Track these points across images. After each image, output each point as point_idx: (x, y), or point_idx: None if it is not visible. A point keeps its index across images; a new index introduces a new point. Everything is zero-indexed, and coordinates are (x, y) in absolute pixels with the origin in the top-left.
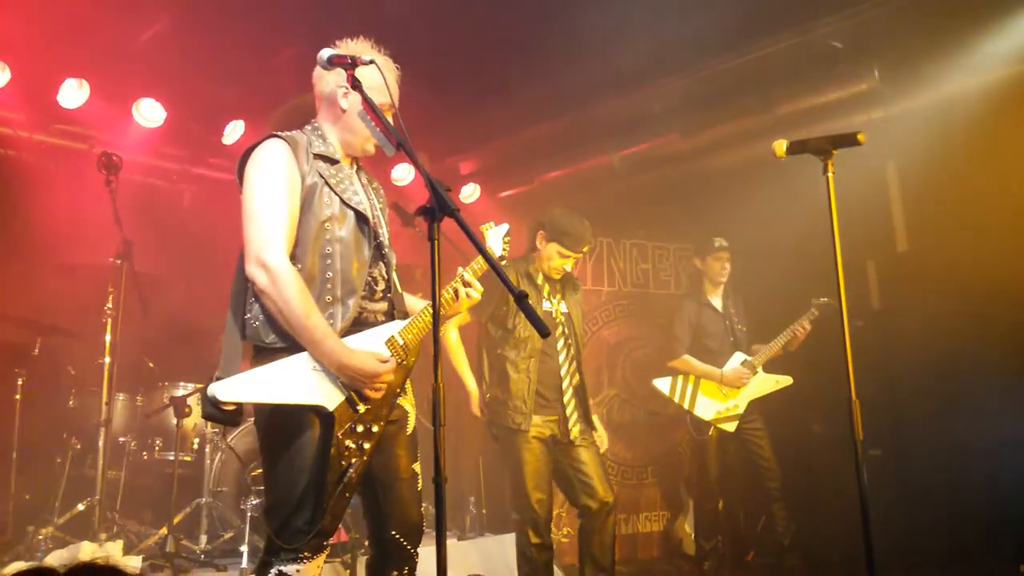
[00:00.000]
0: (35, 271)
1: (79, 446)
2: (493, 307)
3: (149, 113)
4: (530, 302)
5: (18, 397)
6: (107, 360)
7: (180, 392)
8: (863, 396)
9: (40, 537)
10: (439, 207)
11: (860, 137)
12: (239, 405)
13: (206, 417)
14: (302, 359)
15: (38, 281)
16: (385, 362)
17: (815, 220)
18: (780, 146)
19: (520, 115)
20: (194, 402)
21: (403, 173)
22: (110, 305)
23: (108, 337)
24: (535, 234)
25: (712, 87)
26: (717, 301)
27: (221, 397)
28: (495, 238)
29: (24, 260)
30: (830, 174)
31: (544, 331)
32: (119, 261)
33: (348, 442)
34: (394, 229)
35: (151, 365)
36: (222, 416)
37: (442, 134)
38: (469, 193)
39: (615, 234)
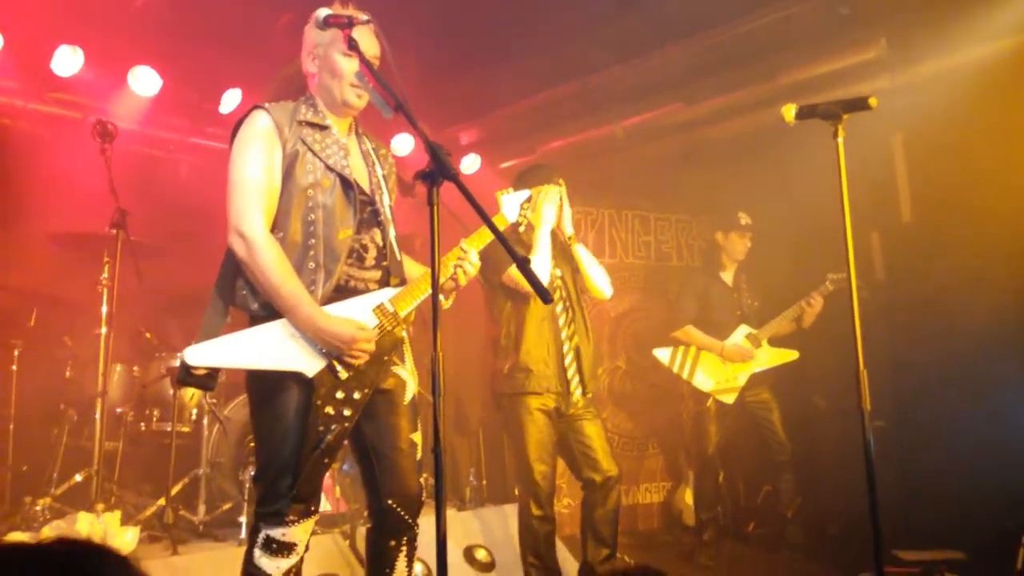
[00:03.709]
0: (30, 241)
1: (76, 417)
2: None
3: (144, 81)
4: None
5: (14, 368)
6: (103, 331)
7: (177, 363)
8: (867, 367)
9: (37, 508)
10: (438, 171)
11: (871, 101)
12: (212, 370)
13: (179, 382)
14: (281, 325)
15: (34, 251)
16: (364, 329)
17: (821, 190)
18: (789, 111)
19: (522, 84)
20: None
21: (402, 143)
22: (106, 275)
23: (104, 308)
24: None
25: (716, 55)
26: (728, 276)
27: (190, 361)
28: (512, 204)
29: (19, 230)
30: (840, 139)
31: (546, 297)
32: (114, 231)
33: (328, 409)
34: (394, 199)
35: (148, 336)
36: (195, 381)
37: (442, 103)
38: (469, 164)
39: (617, 205)
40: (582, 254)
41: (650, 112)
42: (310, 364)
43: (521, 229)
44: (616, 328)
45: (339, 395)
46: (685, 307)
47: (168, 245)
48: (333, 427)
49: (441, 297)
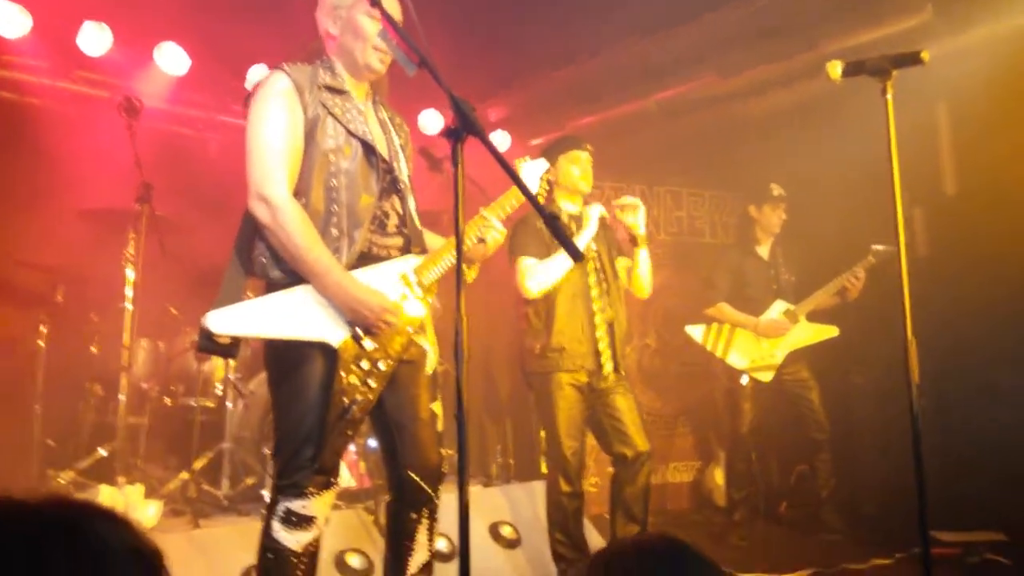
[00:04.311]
0: (57, 219)
1: (102, 393)
2: (535, 250)
3: (172, 58)
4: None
5: (42, 344)
6: (129, 306)
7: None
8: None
9: (61, 481)
10: (463, 126)
11: (923, 55)
12: (235, 338)
13: (201, 350)
14: (306, 292)
15: (60, 229)
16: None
17: (860, 162)
18: (834, 67)
19: (551, 57)
20: None
21: (431, 121)
22: (131, 250)
23: (130, 283)
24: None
25: (753, 25)
26: (764, 250)
27: (214, 328)
28: (531, 174)
29: (46, 208)
30: (889, 96)
31: (577, 254)
32: (140, 205)
33: (352, 379)
34: (423, 175)
35: (174, 311)
36: (217, 349)
37: (469, 79)
38: (499, 142)
39: (649, 180)
40: (643, 258)
41: (684, 85)
42: (334, 332)
43: (540, 201)
44: (646, 306)
45: (364, 365)
46: (718, 284)
47: (195, 221)
48: (358, 397)
49: (464, 266)
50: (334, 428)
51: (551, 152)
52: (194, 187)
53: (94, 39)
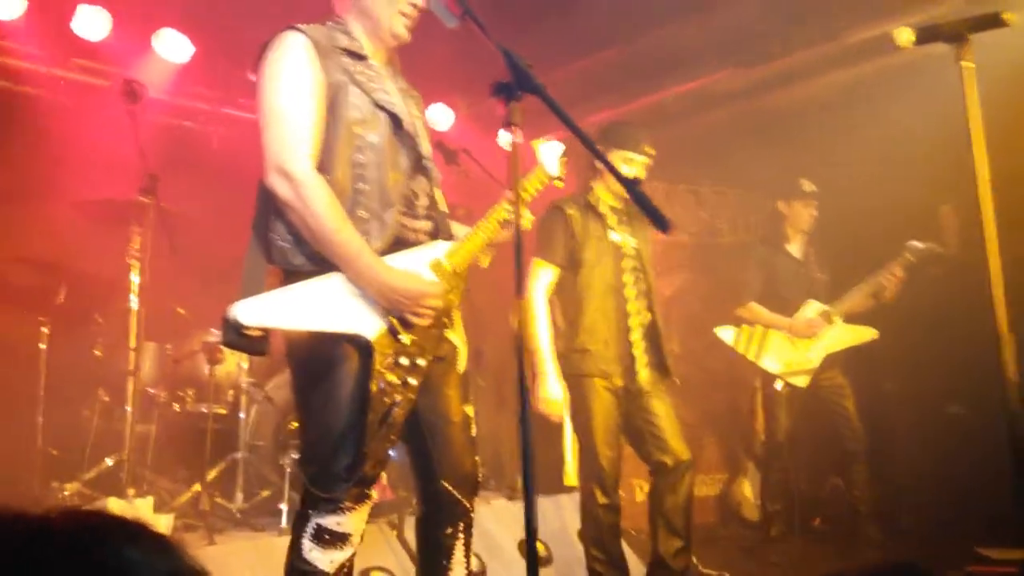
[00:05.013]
0: (57, 214)
1: (107, 398)
2: (564, 244)
3: (172, 45)
4: (593, 232)
5: (43, 347)
6: (135, 306)
7: (212, 339)
8: (943, 350)
9: (66, 493)
10: (517, 82)
11: (1007, 17)
12: (265, 331)
13: (227, 344)
14: (336, 280)
15: (61, 225)
16: (432, 283)
17: (891, 158)
18: (904, 34)
19: (563, 50)
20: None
21: (439, 115)
22: (136, 247)
23: (135, 282)
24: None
25: (774, 16)
26: (795, 248)
27: (244, 320)
28: (550, 155)
29: (45, 203)
30: (964, 63)
31: (664, 223)
32: (145, 198)
33: (391, 377)
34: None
35: (181, 312)
36: (246, 344)
37: (479, 74)
38: (509, 139)
39: (669, 179)
40: None
41: (702, 79)
42: (369, 324)
43: (559, 185)
44: (668, 309)
45: (404, 361)
46: (748, 282)
47: (203, 217)
48: (398, 398)
49: (481, 252)
50: (376, 434)
51: (607, 139)
52: (196, 182)
53: (91, 23)
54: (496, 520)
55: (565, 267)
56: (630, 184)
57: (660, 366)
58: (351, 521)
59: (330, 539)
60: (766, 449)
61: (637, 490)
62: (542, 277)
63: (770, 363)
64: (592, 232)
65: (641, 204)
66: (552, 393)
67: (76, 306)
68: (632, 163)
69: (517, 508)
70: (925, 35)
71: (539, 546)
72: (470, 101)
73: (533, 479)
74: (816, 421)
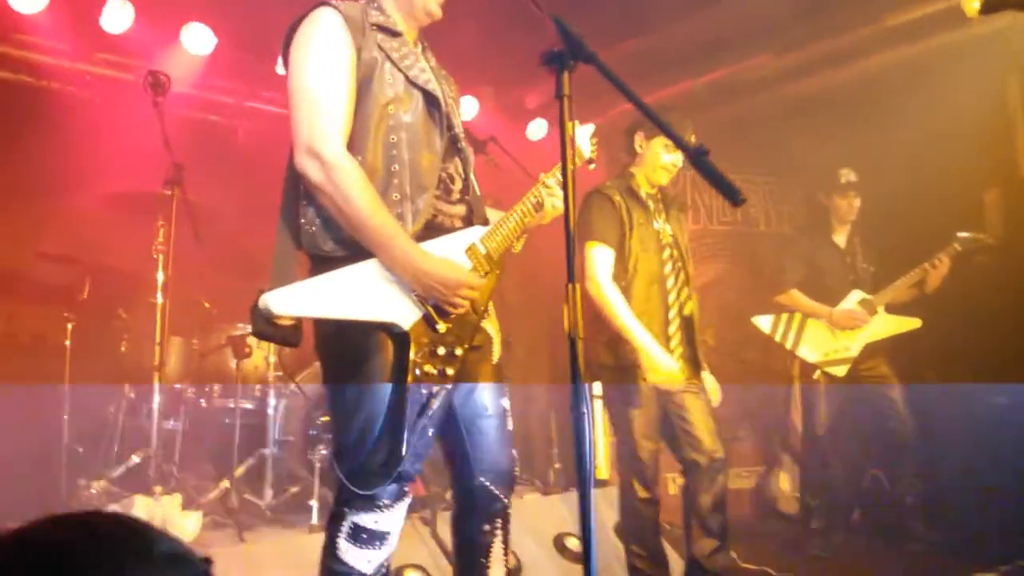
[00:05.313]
0: (82, 209)
1: (133, 394)
2: (611, 235)
3: (198, 39)
4: (637, 220)
5: (68, 343)
6: (160, 300)
7: (238, 332)
8: (982, 341)
9: (92, 491)
10: (570, 51)
11: None
12: (297, 321)
13: (258, 335)
14: (370, 267)
15: (86, 220)
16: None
17: (936, 145)
18: (971, 4)
19: (590, 38)
20: (255, 342)
21: (465, 104)
22: (161, 240)
23: (160, 275)
24: (631, 140)
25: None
26: (840, 238)
27: (275, 309)
28: (582, 137)
29: (70, 198)
30: None
31: (735, 195)
32: (169, 190)
33: (428, 367)
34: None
35: (207, 305)
36: (277, 334)
37: (506, 64)
38: (536, 129)
39: None
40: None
41: (733, 66)
42: (404, 314)
43: (592, 167)
44: (702, 300)
45: (440, 351)
46: (787, 269)
47: (226, 210)
48: (436, 389)
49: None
50: (414, 427)
51: (648, 124)
52: (222, 176)
53: (115, 16)
54: (530, 514)
55: (617, 253)
56: (698, 153)
57: (693, 360)
58: (389, 519)
59: (367, 538)
60: (805, 442)
61: (670, 483)
62: (602, 259)
63: (807, 352)
64: (636, 220)
65: (710, 175)
66: (666, 364)
67: (101, 301)
68: (673, 149)
69: (550, 503)
70: (992, 4)
71: (575, 542)
72: (496, 91)
73: (590, 473)
74: (855, 412)
